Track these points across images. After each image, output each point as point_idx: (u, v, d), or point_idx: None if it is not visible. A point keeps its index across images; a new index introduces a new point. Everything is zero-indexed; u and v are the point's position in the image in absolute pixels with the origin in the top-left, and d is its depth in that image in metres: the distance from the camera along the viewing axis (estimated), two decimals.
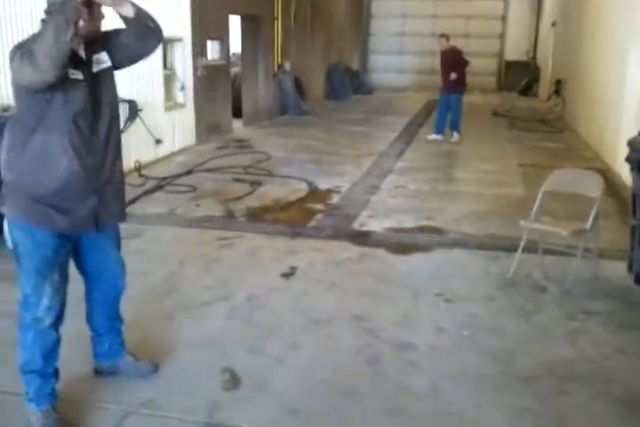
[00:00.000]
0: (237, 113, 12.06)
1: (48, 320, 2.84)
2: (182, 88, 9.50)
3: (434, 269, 4.97)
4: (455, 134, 11.26)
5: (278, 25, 13.24)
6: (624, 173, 7.41)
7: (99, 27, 2.77)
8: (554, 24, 16.42)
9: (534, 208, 4.78)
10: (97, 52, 2.78)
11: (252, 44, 12.71)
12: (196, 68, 9.77)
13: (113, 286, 3.15)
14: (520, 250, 4.75)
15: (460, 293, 4.50)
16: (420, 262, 5.12)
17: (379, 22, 22.40)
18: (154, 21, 2.78)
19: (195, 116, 9.96)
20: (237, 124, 12.04)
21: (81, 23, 2.60)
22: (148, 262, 4.95)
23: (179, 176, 7.92)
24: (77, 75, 2.69)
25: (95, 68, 2.79)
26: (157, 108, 8.73)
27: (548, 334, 3.92)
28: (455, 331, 3.92)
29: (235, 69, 12.64)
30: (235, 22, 11.99)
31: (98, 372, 3.31)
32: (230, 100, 11.45)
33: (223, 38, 10.97)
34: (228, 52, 11.31)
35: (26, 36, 2.77)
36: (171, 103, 9.36)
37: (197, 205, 6.75)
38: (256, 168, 8.51)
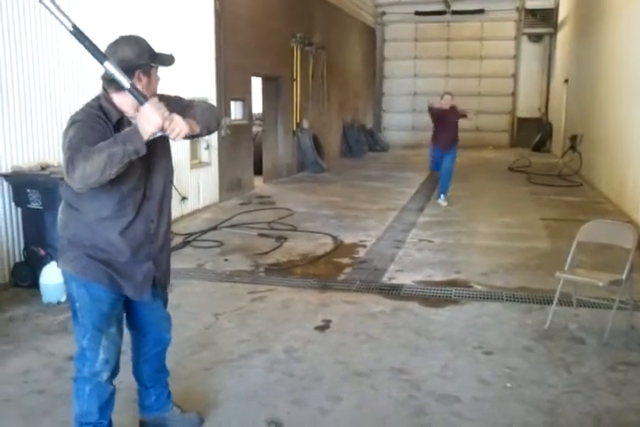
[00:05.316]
0: (258, 170, 12.31)
1: (105, 374, 2.84)
2: (207, 147, 9.72)
3: (469, 321, 4.97)
4: (443, 197, 10.38)
5: (297, 85, 13.64)
6: None
7: (153, 93, 2.70)
8: (566, 81, 16.74)
9: (568, 260, 4.81)
10: None
11: (273, 104, 13.12)
12: (220, 128, 10.02)
13: (160, 340, 3.16)
14: (555, 301, 4.77)
15: (498, 345, 4.49)
16: (455, 315, 5.11)
17: (391, 82, 22.93)
18: (217, 120, 2.84)
19: (218, 173, 10.16)
20: (258, 181, 12.27)
21: (138, 86, 2.55)
22: (183, 316, 4.96)
23: (205, 232, 8.03)
24: None
25: (150, 137, 2.59)
26: (183, 166, 8.91)
27: (590, 384, 3.88)
28: (497, 382, 3.90)
29: (255, 128, 12.96)
30: (256, 84, 12.38)
31: (144, 424, 3.28)
32: (252, 157, 11.70)
33: (245, 99, 11.29)
34: (251, 111, 11.64)
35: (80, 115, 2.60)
36: (196, 162, 9.57)
37: (226, 259, 6.83)
38: (280, 223, 8.62)
